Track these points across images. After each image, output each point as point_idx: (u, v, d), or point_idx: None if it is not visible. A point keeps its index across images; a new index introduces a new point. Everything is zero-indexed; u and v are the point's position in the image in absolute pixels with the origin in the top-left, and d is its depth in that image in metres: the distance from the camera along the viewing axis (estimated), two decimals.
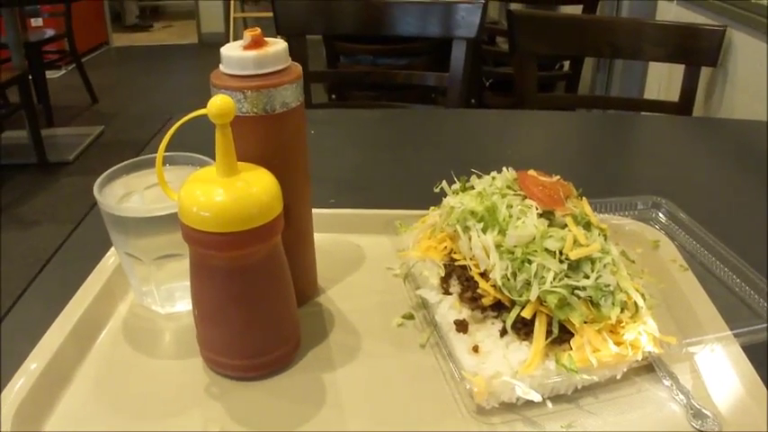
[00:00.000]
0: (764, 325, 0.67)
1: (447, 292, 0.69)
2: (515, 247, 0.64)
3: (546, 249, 0.63)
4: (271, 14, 1.84)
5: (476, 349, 0.62)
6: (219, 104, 0.56)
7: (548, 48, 2.00)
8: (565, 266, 0.62)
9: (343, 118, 1.52)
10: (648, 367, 0.66)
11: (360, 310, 0.74)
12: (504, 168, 0.75)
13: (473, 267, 0.66)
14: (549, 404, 0.61)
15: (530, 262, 0.62)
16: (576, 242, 0.64)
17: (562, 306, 0.61)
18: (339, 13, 1.88)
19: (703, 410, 0.61)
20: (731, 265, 0.79)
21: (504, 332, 0.63)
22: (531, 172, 0.74)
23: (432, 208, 0.78)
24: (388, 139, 1.34)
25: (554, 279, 0.61)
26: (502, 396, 0.60)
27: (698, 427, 0.59)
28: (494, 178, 0.74)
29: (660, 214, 0.91)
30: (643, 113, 1.97)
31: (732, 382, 0.63)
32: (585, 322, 0.61)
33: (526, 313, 0.61)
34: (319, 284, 0.78)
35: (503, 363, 0.61)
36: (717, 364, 0.65)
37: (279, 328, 0.65)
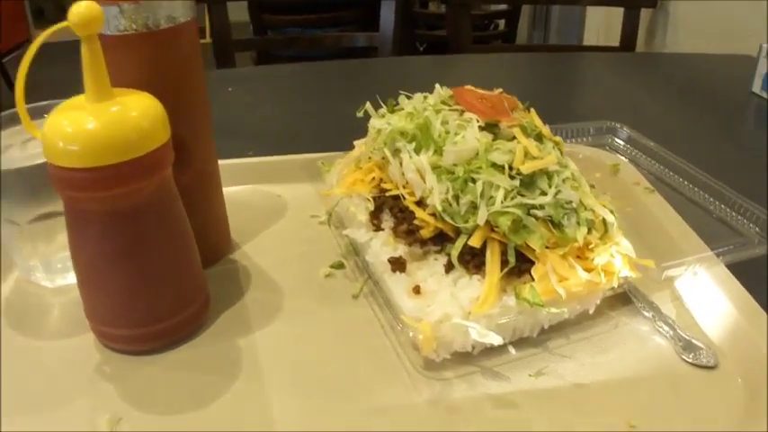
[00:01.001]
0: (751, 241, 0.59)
1: (379, 228, 0.58)
2: (455, 165, 0.53)
3: (493, 165, 0.53)
4: None
5: (417, 290, 0.51)
6: (82, 11, 0.45)
7: None
8: (517, 183, 0.52)
9: (264, 74, 1.42)
10: (624, 299, 0.57)
11: (281, 263, 0.64)
12: (437, 85, 0.65)
13: (407, 196, 0.56)
14: (512, 350, 0.51)
15: (474, 181, 0.52)
16: (527, 155, 0.53)
17: (517, 229, 0.50)
18: None
19: (694, 341, 0.52)
20: (701, 183, 0.71)
21: (449, 267, 0.52)
22: (469, 87, 0.63)
23: (356, 141, 0.67)
24: (315, 92, 1.23)
25: (505, 198, 0.51)
26: (454, 344, 0.49)
27: (691, 360, 0.50)
28: (425, 97, 0.64)
29: (616, 139, 0.84)
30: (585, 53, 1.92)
31: (723, 306, 0.55)
32: (547, 247, 0.51)
33: (474, 241, 0.51)
34: (234, 239, 0.67)
35: (451, 303, 0.50)
36: (702, 289, 0.57)
37: (177, 286, 0.54)
